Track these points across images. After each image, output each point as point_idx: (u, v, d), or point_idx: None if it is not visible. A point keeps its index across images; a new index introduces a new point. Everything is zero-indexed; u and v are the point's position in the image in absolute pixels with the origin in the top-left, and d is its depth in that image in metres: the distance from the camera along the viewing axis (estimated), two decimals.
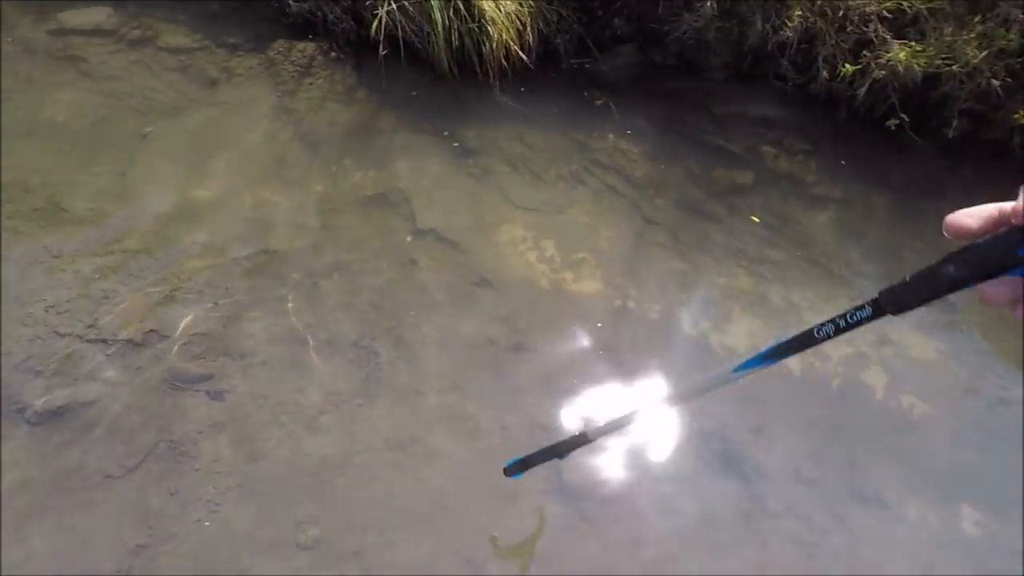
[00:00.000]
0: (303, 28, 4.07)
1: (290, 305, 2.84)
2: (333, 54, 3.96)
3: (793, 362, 2.81)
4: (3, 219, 2.99)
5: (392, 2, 3.67)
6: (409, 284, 2.99)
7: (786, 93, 3.95)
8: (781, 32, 3.73)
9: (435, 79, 3.94)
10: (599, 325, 2.89)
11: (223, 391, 2.44)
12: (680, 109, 4.00)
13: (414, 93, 3.92)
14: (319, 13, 3.99)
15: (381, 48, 3.74)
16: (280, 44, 3.99)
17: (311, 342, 2.72)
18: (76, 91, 3.65)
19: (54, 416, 2.35)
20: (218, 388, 2.45)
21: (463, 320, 2.87)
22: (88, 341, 2.53)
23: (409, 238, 3.22)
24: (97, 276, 2.80)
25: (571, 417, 2.56)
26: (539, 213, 3.37)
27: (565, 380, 2.67)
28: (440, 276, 3.04)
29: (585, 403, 2.61)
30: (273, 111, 3.71)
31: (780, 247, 3.29)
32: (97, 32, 3.96)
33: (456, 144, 3.68)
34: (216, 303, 2.80)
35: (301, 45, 3.99)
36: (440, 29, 3.67)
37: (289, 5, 4.03)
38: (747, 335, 2.90)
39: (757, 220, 3.43)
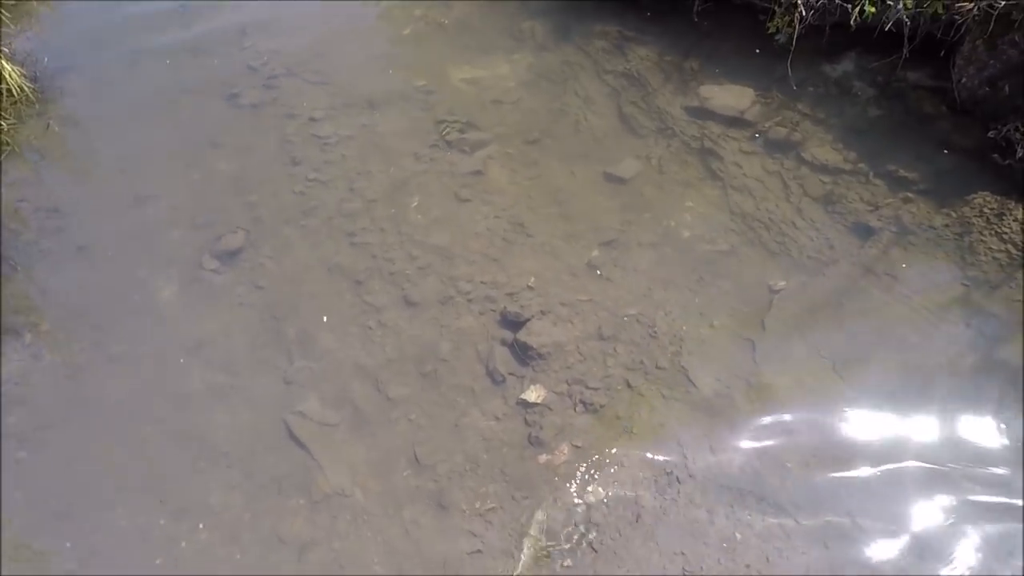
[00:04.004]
0: None
1: None
2: None
3: None
4: (617, 367, 2.59)
5: None
6: None
7: None
8: None
9: None
10: None
11: None
12: None
13: None
14: None
15: None
16: (983, 200, 2.80)
17: None
18: (704, 199, 3.10)
19: None
20: None
21: None
22: None
23: None
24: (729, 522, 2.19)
25: None
26: None
27: None
28: None
29: None
30: (958, 307, 2.60)
31: None
32: (736, 122, 3.33)
33: None
34: None
35: (1019, 210, 2.74)
36: None
37: (1014, 145, 2.80)
38: None
39: None
